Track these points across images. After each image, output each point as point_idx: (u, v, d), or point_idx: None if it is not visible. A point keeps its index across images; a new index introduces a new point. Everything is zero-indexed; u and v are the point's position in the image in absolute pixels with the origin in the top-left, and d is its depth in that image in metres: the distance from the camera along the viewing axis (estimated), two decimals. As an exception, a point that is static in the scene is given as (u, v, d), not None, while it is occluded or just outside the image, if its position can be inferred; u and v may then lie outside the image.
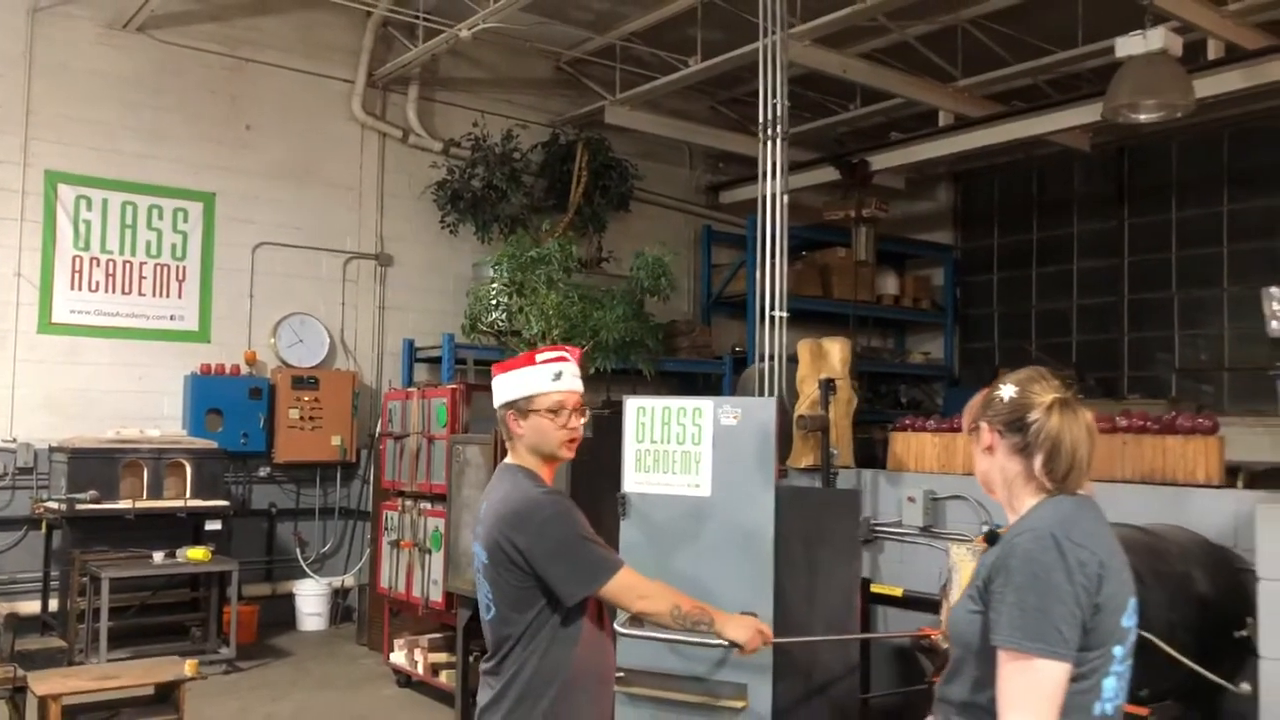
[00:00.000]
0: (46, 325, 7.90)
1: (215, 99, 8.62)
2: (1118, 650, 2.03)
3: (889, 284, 11.71)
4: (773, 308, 5.32)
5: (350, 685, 6.87)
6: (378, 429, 8.03)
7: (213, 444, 7.82)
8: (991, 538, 2.16)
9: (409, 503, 6.99)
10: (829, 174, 10.44)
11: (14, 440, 7.65)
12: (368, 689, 6.79)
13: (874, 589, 4.82)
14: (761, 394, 5.50)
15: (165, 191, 8.38)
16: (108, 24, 8.15)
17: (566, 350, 2.84)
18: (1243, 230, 10.03)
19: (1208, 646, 3.57)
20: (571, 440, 2.79)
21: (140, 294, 8.27)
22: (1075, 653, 1.94)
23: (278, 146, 8.87)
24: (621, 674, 3.58)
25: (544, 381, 2.75)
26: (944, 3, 8.39)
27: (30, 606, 7.43)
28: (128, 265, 8.23)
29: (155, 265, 8.35)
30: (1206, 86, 7.44)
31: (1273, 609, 3.43)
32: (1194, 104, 6.97)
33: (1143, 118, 7.10)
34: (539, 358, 2.78)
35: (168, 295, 8.38)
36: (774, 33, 5.68)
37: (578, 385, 2.82)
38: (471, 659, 6.12)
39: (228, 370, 8.42)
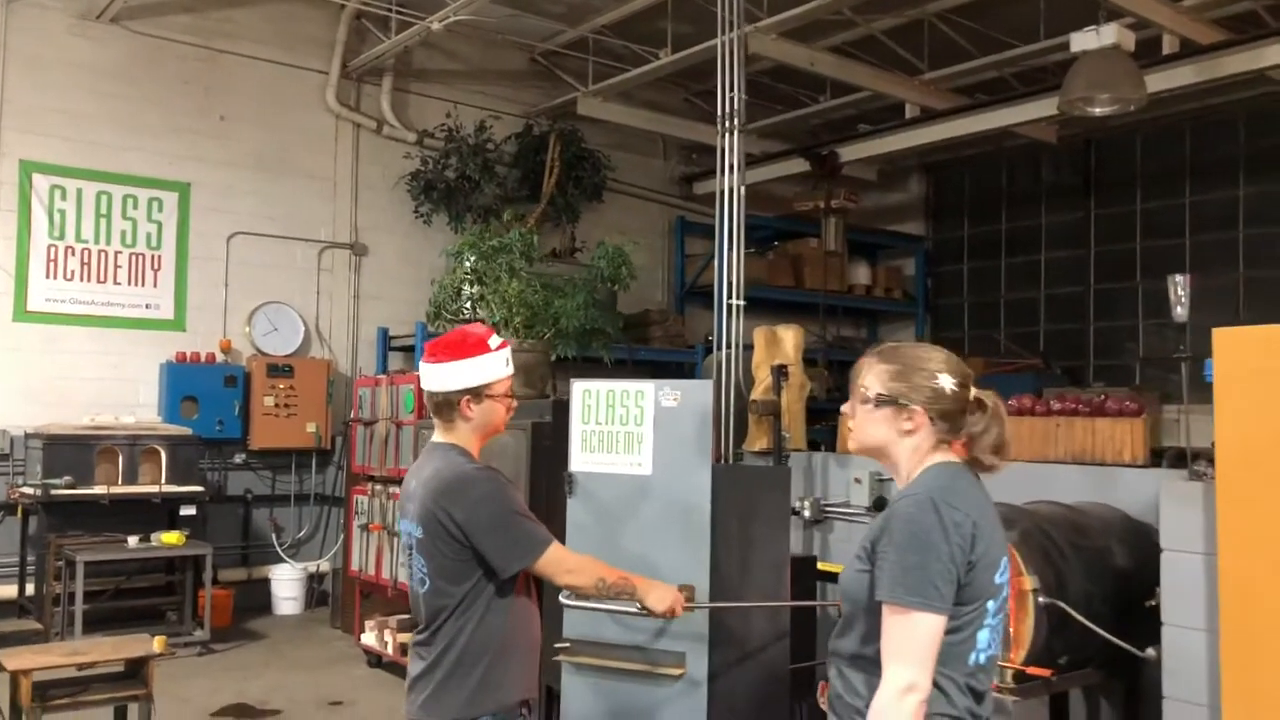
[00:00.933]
0: (22, 314, 8.00)
1: (189, 90, 8.72)
2: (990, 605, 2.19)
3: (861, 274, 11.88)
4: (730, 296, 5.45)
5: (322, 665, 7.02)
6: (350, 415, 8.16)
7: (187, 431, 7.94)
8: (879, 504, 2.32)
9: (379, 487, 7.14)
10: (800, 165, 10.59)
11: (-10, 427, 7.77)
12: (338, 669, 6.94)
13: (821, 566, 4.98)
14: (720, 381, 5.65)
15: (140, 181, 8.47)
16: (81, 14, 8.24)
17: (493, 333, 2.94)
18: (1204, 221, 10.23)
19: (1124, 616, 3.74)
20: (506, 419, 2.95)
21: (116, 283, 8.38)
22: (951, 606, 2.10)
23: (252, 137, 8.97)
24: (567, 644, 3.74)
25: (500, 367, 2.86)
26: (908, -3, 8.54)
27: (7, 590, 7.56)
28: (103, 254, 8.34)
29: (130, 254, 8.46)
30: (1160, 81, 7.62)
31: (1174, 578, 3.61)
32: (1146, 98, 7.15)
33: (1097, 111, 7.29)
34: (492, 343, 2.87)
35: (143, 284, 8.49)
36: (733, 29, 5.81)
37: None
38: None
39: (203, 358, 8.54)
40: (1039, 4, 8.22)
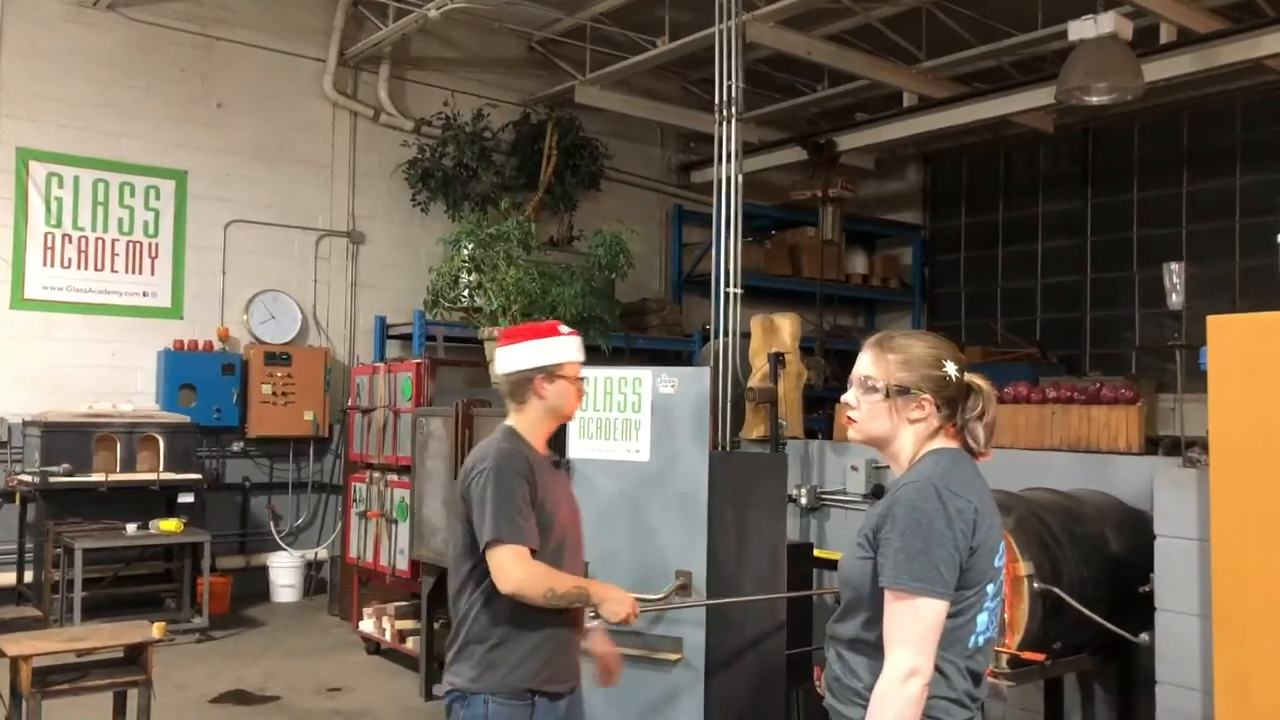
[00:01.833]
0: (19, 301, 8.00)
1: (186, 77, 8.70)
2: (990, 588, 2.21)
3: (858, 263, 11.89)
4: (727, 285, 5.47)
5: (320, 652, 7.05)
6: (347, 403, 8.17)
7: (185, 418, 7.95)
8: (877, 491, 2.34)
9: (376, 474, 7.15)
10: (798, 154, 10.59)
11: (-12, 415, 7.78)
12: (337, 656, 6.97)
13: (818, 554, 5.00)
14: (717, 369, 5.66)
15: (137, 169, 8.46)
16: (78, 1, 8.21)
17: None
18: (1201, 210, 10.24)
19: (1118, 602, 3.77)
20: (575, 408, 3.04)
21: (113, 271, 8.37)
22: (953, 591, 2.12)
23: (249, 125, 8.96)
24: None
25: (571, 351, 2.97)
26: (906, -15, 8.53)
27: (6, 577, 7.57)
28: (100, 242, 8.33)
29: (128, 242, 8.45)
30: (1157, 70, 7.62)
31: (1168, 564, 3.64)
32: (1143, 87, 7.15)
33: (1094, 100, 7.29)
34: (563, 330, 3.00)
35: (140, 272, 8.49)
36: (731, 17, 5.81)
37: None
38: (436, 625, 6.31)
39: (200, 346, 8.54)
40: (1036, -8, 8.22)
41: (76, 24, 8.24)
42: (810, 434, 6.22)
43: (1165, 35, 7.67)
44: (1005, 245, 11.90)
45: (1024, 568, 3.52)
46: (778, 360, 5.43)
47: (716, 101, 5.72)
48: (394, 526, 6.82)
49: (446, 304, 6.49)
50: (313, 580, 8.86)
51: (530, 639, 2.81)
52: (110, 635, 4.68)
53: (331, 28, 9.20)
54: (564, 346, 2.95)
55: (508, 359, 2.95)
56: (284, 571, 8.67)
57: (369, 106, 9.49)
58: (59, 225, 8.17)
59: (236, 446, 8.79)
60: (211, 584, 7.44)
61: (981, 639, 2.21)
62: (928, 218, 12.68)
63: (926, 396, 2.25)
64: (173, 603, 7.45)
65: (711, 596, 3.61)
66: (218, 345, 8.67)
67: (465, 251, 6.32)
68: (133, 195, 8.47)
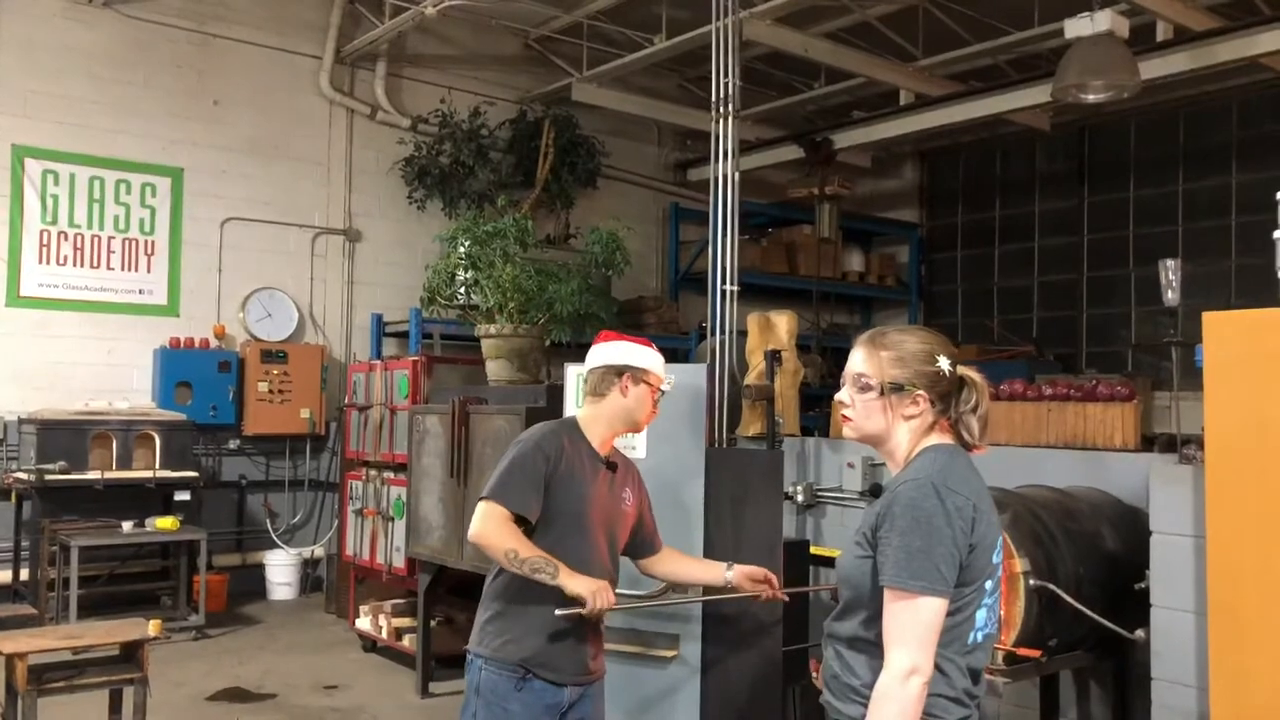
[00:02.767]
0: (15, 299, 7.98)
1: (183, 74, 8.68)
2: (988, 584, 2.21)
3: (855, 261, 11.89)
4: (724, 282, 5.46)
5: (316, 650, 7.04)
6: (343, 401, 8.17)
7: (181, 416, 7.94)
8: (875, 490, 2.34)
9: (373, 472, 7.15)
10: (794, 152, 10.59)
11: (-16, 412, 7.76)
12: (333, 653, 6.97)
13: (814, 551, 5.00)
14: (712, 366, 5.66)
15: (133, 166, 8.45)
16: (74, -1, 8.21)
17: None
18: (1197, 209, 10.26)
19: (1114, 599, 3.78)
20: (647, 422, 3.19)
21: (109, 268, 8.36)
22: (953, 589, 2.11)
23: (246, 122, 8.95)
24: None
25: (660, 366, 3.16)
26: (903, -17, 8.53)
27: (1, 575, 7.57)
28: (96, 239, 8.32)
29: (124, 240, 8.44)
30: (1154, 68, 7.63)
31: (1163, 560, 3.64)
32: (1140, 85, 7.16)
33: (1090, 98, 7.30)
34: (654, 348, 3.19)
35: (136, 269, 8.47)
36: (728, 14, 5.80)
37: None
38: (433, 622, 6.31)
39: (197, 344, 8.53)
40: (1033, -10, 8.23)
41: (73, 20, 8.23)
42: (807, 432, 6.22)
43: (1162, 33, 7.68)
44: (1002, 243, 11.91)
45: (1020, 564, 3.53)
46: (774, 358, 5.43)
47: (713, 99, 5.69)
48: (390, 524, 6.82)
49: (443, 301, 6.48)
50: (309, 578, 8.86)
51: (533, 619, 2.86)
52: (106, 633, 4.67)
53: (328, 25, 9.19)
54: (657, 360, 3.14)
55: (603, 353, 3.11)
56: (280, 569, 8.66)
57: (365, 104, 9.48)
58: (55, 222, 8.16)
59: (233, 444, 8.78)
60: (208, 582, 7.44)
61: (980, 635, 2.21)
62: (924, 216, 12.69)
63: (921, 393, 2.24)
64: (169, 600, 7.45)
65: (708, 594, 3.61)
66: (214, 343, 8.66)
67: (462, 249, 6.31)
68: (129, 192, 8.45)
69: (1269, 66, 8.06)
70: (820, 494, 5.44)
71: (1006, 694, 3.75)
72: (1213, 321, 3.41)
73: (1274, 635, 3.17)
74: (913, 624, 2.07)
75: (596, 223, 7.18)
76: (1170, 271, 3.76)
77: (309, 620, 7.96)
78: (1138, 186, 10.74)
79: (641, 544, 3.22)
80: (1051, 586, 3.54)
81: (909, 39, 9.28)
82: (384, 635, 6.75)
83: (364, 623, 6.98)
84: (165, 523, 7.17)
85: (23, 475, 7.22)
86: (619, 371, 3.05)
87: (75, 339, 8.18)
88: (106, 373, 8.27)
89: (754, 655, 3.79)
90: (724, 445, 4.71)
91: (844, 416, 2.35)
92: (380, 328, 9.24)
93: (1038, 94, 8.56)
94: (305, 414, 8.85)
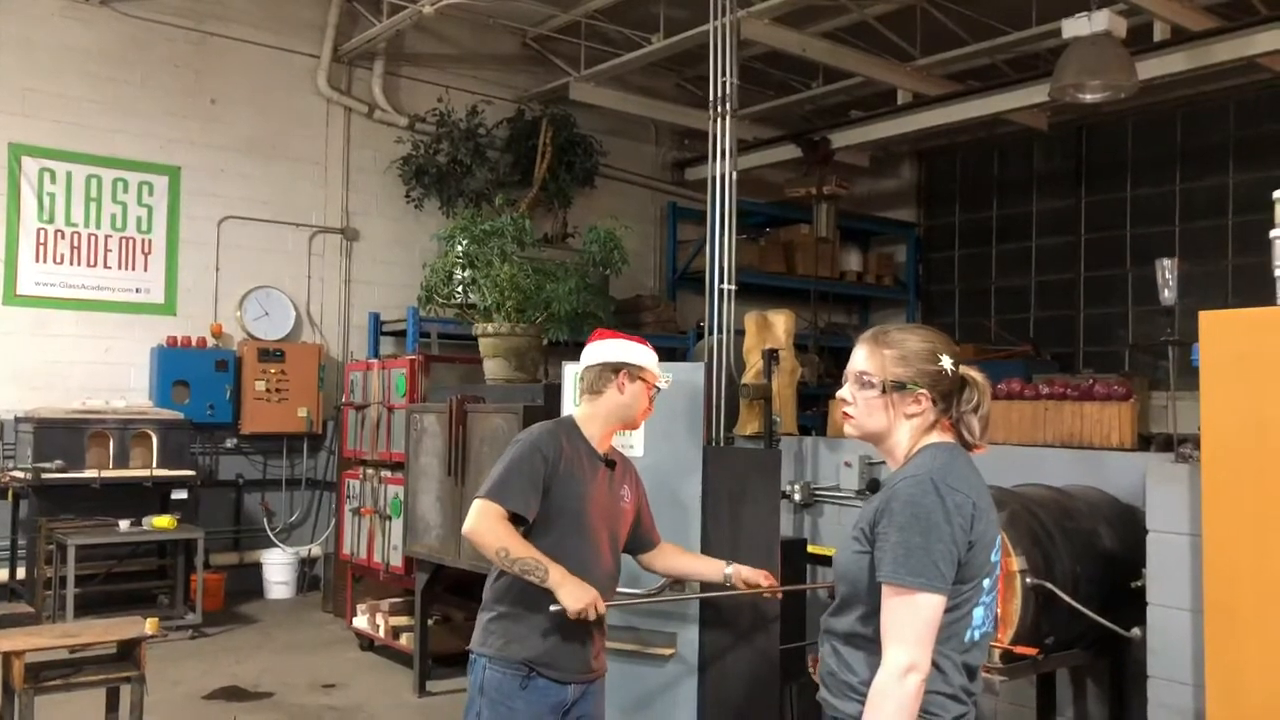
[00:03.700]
0: (12, 297, 7.97)
1: (180, 73, 8.68)
2: (986, 583, 2.21)
3: (853, 260, 11.90)
4: (721, 282, 5.46)
5: (314, 649, 7.04)
6: (341, 400, 8.16)
7: (179, 415, 7.94)
8: (873, 486, 2.34)
9: (370, 471, 7.14)
10: (792, 151, 10.59)
11: (-20, 411, 7.75)
12: (331, 652, 6.96)
13: (811, 549, 5.00)
14: (710, 365, 5.66)
15: (130, 165, 8.44)
16: (71, -3, 8.20)
17: None
18: (1194, 208, 10.27)
19: (1111, 598, 3.78)
20: (642, 418, 3.20)
21: (106, 267, 8.35)
22: (951, 586, 2.12)
23: (243, 121, 8.94)
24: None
25: (655, 364, 3.17)
26: (901, -18, 8.53)
27: (-2, 574, 7.56)
28: (93, 238, 8.31)
29: (121, 238, 8.43)
30: (1151, 68, 7.64)
31: (1160, 559, 3.65)
32: (1137, 85, 7.16)
33: (1088, 98, 7.30)
34: (650, 347, 3.20)
35: (133, 268, 8.47)
36: (726, 14, 5.80)
37: None
38: (430, 621, 6.31)
39: (194, 343, 8.52)
40: (1031, -10, 8.23)
41: (70, 19, 8.22)
42: (804, 431, 6.22)
43: (1159, 33, 7.70)
44: (999, 243, 11.93)
45: (1017, 563, 3.53)
46: (772, 357, 5.43)
47: (711, 98, 5.70)
48: (388, 523, 6.81)
49: (440, 300, 6.48)
50: (306, 577, 8.86)
51: (537, 619, 2.86)
52: (103, 631, 4.66)
53: (326, 23, 9.18)
54: (652, 358, 3.16)
55: (598, 351, 3.13)
56: (277, 568, 8.66)
57: (363, 103, 9.47)
58: (52, 221, 8.15)
59: (230, 443, 8.78)
60: (205, 580, 7.44)
61: (977, 633, 2.21)
62: (922, 215, 12.70)
63: (923, 391, 2.24)
64: (166, 599, 7.44)
65: (705, 592, 3.61)
66: (211, 342, 8.65)
67: (459, 248, 6.31)
68: (126, 191, 8.45)
69: (1266, 66, 8.07)
70: (817, 493, 5.44)
71: (1003, 692, 3.77)
72: (1209, 321, 3.41)
73: (1270, 633, 3.17)
74: (910, 620, 2.07)
75: (594, 222, 7.18)
76: (1167, 271, 3.76)
77: (306, 619, 7.95)
78: (1135, 186, 10.76)
79: (640, 540, 3.23)
80: (1048, 585, 3.54)
81: (907, 39, 9.29)
82: (381, 634, 6.75)
83: (361, 621, 6.98)
84: (162, 521, 7.17)
85: (19, 474, 7.21)
86: (615, 369, 3.07)
87: (72, 338, 8.17)
88: (103, 371, 8.26)
89: (751, 653, 3.79)
90: (721, 444, 4.72)
91: (845, 414, 2.35)
92: (378, 326, 9.24)
93: (1035, 94, 8.56)
94: (302, 413, 8.85)
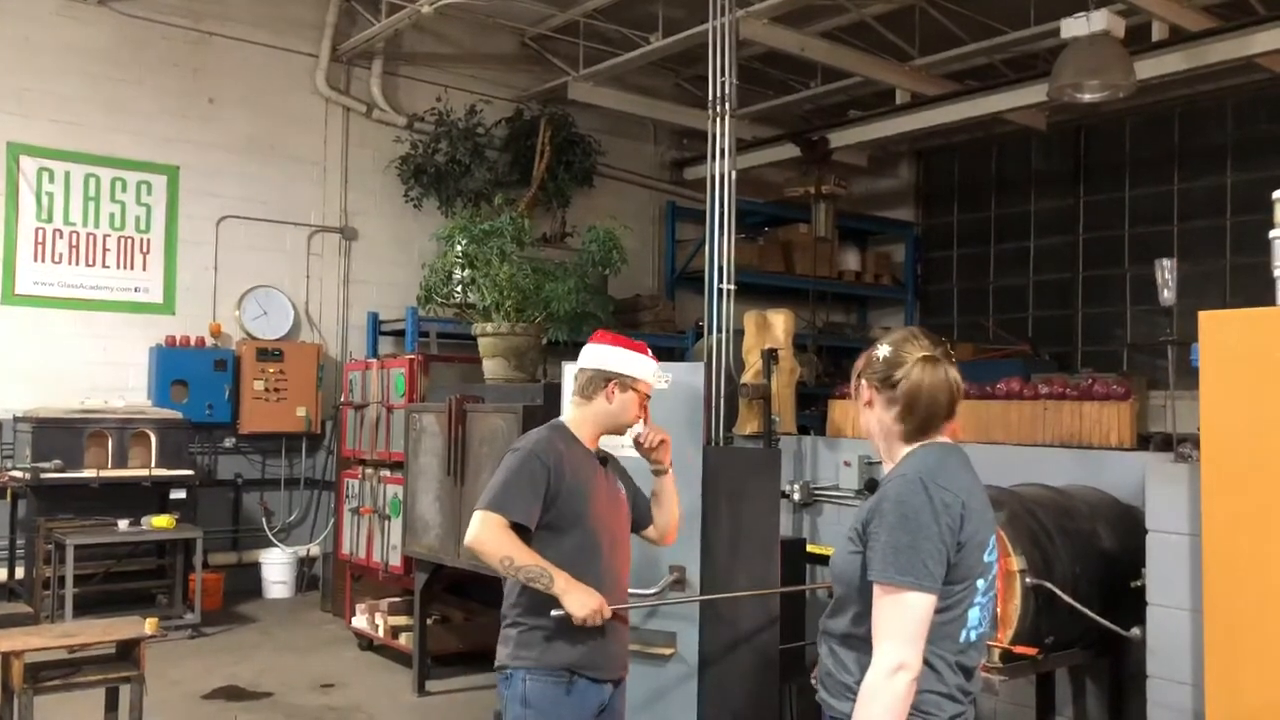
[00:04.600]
0: (10, 297, 7.96)
1: (178, 72, 8.67)
2: (980, 583, 2.22)
3: (851, 260, 11.90)
4: (720, 281, 5.46)
5: (312, 648, 7.04)
6: (340, 399, 8.16)
7: (177, 415, 7.93)
8: (871, 485, 2.35)
9: (369, 471, 7.14)
10: (791, 151, 10.59)
11: (-22, 410, 7.74)
12: (329, 652, 6.96)
13: (810, 549, 5.01)
14: (710, 365, 5.67)
15: (128, 164, 8.43)
16: (69, -4, 8.19)
17: None
18: (1192, 208, 10.28)
19: (1110, 598, 3.79)
20: (631, 425, 3.15)
21: (104, 266, 8.34)
22: (941, 586, 2.12)
23: (241, 120, 8.93)
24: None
25: (650, 374, 3.13)
26: (900, -18, 8.53)
27: (-3, 573, 7.55)
28: (91, 238, 8.30)
29: (119, 238, 8.42)
30: (1149, 68, 7.65)
31: (1159, 559, 3.65)
32: (1135, 84, 7.17)
33: (1086, 97, 7.31)
34: (649, 354, 3.16)
35: (132, 268, 8.46)
36: (724, 14, 5.80)
37: None
38: (429, 621, 6.32)
39: (192, 342, 8.51)
40: (1029, -10, 8.24)
41: (68, 18, 8.21)
42: (803, 430, 6.23)
43: (1157, 33, 7.71)
44: (998, 242, 11.94)
45: (1016, 563, 3.54)
46: (771, 356, 5.44)
47: (710, 98, 5.70)
48: (386, 523, 6.81)
49: (439, 300, 6.48)
50: (305, 576, 8.85)
51: (569, 623, 2.84)
52: (102, 631, 4.66)
53: (324, 23, 9.18)
54: (647, 366, 3.11)
55: (594, 355, 3.11)
56: (276, 568, 8.65)
57: (362, 102, 9.47)
58: (50, 220, 8.14)
59: (229, 443, 8.77)
60: (204, 580, 7.43)
61: (973, 634, 2.22)
62: (920, 215, 12.70)
63: (864, 380, 2.32)
64: (165, 599, 7.44)
65: (705, 592, 3.62)
66: (210, 341, 8.65)
67: (458, 247, 6.31)
68: (124, 190, 8.44)
69: (1264, 66, 8.08)
70: (817, 492, 5.45)
71: (1002, 691, 3.77)
72: (1208, 320, 3.41)
73: (1269, 632, 3.18)
74: (900, 619, 2.08)
75: (593, 221, 7.18)
76: (1166, 271, 3.76)
77: (305, 619, 7.95)
78: (1133, 186, 10.77)
79: (639, 521, 3.23)
80: (1048, 585, 3.55)
81: (905, 38, 9.29)
82: (380, 634, 6.74)
83: (360, 621, 6.98)
84: (161, 521, 7.16)
85: (18, 473, 7.21)
86: (606, 378, 3.05)
87: (71, 337, 8.16)
88: (102, 371, 8.25)
89: (751, 653, 3.79)
90: (721, 444, 4.72)
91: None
92: (376, 326, 9.23)
93: (1034, 93, 8.57)
94: (301, 412, 8.85)
